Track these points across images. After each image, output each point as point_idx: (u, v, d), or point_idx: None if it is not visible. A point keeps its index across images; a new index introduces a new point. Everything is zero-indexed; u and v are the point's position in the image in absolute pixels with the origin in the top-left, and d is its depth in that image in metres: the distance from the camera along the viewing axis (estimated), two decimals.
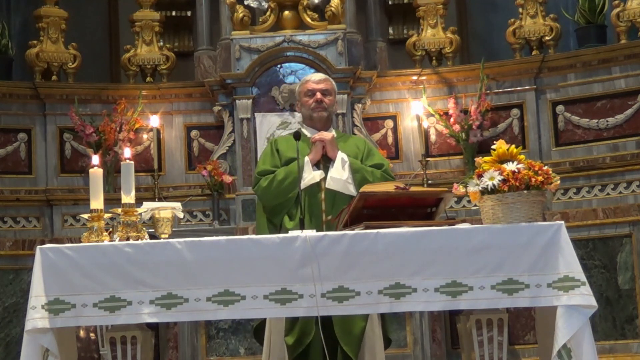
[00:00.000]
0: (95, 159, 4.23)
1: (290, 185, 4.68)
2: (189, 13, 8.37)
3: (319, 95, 4.84)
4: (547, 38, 7.37)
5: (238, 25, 7.33)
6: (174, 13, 8.39)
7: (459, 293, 3.80)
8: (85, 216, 4.07)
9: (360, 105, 7.37)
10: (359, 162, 4.80)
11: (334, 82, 5.02)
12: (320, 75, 5.01)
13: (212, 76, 7.53)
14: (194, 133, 7.54)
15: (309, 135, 4.84)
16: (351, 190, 4.69)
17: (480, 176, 3.89)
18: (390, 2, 8.31)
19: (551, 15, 7.42)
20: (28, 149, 7.34)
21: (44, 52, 7.51)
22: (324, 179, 4.73)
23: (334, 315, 4.31)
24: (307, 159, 4.73)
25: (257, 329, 4.81)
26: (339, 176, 4.67)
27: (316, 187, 4.72)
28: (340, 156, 4.73)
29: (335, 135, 4.85)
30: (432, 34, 7.66)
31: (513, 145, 3.97)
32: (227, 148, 7.36)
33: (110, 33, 8.51)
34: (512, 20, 7.46)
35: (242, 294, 3.83)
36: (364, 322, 4.58)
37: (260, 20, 7.56)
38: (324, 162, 4.78)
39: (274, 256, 3.84)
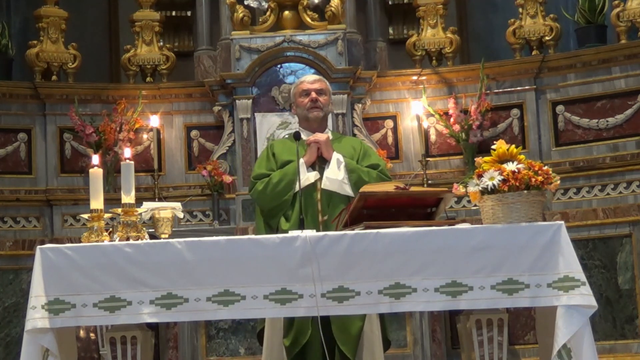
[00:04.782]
0: (95, 159, 4.23)
1: (285, 187, 4.70)
2: (189, 13, 8.37)
3: (314, 94, 4.85)
4: (547, 38, 7.37)
5: (238, 25, 7.33)
6: (174, 13, 8.40)
7: (459, 293, 3.80)
8: (85, 216, 4.07)
9: (360, 105, 7.37)
10: (355, 162, 4.81)
11: (328, 83, 5.03)
12: (314, 76, 5.05)
13: (212, 76, 7.53)
14: (194, 133, 7.54)
15: (304, 137, 4.85)
16: (347, 190, 4.71)
17: (480, 176, 3.89)
18: (390, 2, 8.31)
19: (551, 15, 7.42)
20: (28, 149, 7.34)
21: (44, 52, 7.51)
22: (320, 179, 4.73)
23: (332, 315, 4.32)
24: (302, 160, 4.73)
25: (261, 330, 4.80)
26: (335, 176, 4.68)
27: (312, 187, 4.72)
28: (336, 157, 4.74)
29: (330, 137, 4.86)
30: (432, 34, 7.66)
31: (513, 145, 3.97)
32: (227, 148, 7.36)
33: (110, 33, 8.52)
34: (512, 20, 7.46)
35: (242, 294, 3.83)
36: (362, 322, 4.58)
37: (260, 20, 7.57)
38: (320, 163, 4.78)
39: (274, 256, 3.84)
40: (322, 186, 4.72)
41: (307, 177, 4.72)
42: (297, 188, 4.62)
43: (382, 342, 4.71)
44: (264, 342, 4.73)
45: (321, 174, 4.74)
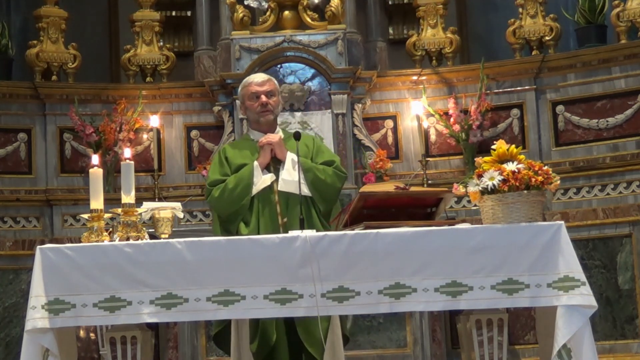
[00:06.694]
0: (95, 159, 4.23)
1: (242, 192, 4.63)
2: (189, 13, 8.37)
3: (263, 98, 4.76)
4: (547, 38, 7.37)
5: (238, 25, 7.33)
6: (174, 13, 8.39)
7: (459, 293, 3.80)
8: (85, 216, 4.07)
9: (360, 105, 7.37)
10: (310, 160, 4.74)
11: (276, 81, 4.93)
12: (262, 76, 4.91)
13: (212, 76, 7.53)
14: (194, 133, 7.54)
15: (254, 138, 4.80)
16: (304, 190, 4.62)
17: (480, 176, 3.89)
18: (390, 2, 8.31)
19: (551, 15, 7.42)
20: (28, 149, 7.35)
21: (44, 52, 7.51)
22: (276, 181, 4.68)
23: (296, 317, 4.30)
24: (256, 163, 4.68)
25: (218, 335, 4.74)
26: (291, 177, 4.59)
27: (269, 190, 4.67)
28: (290, 157, 4.66)
29: (282, 136, 4.77)
30: (432, 34, 7.66)
31: (513, 145, 3.97)
32: None
33: (110, 33, 8.52)
34: (512, 20, 7.46)
35: (242, 294, 3.83)
36: (327, 322, 4.54)
37: (260, 20, 7.57)
38: (274, 165, 4.72)
39: (274, 256, 3.84)
40: (279, 188, 4.65)
41: (263, 180, 4.65)
42: (296, 189, 4.59)
43: (342, 340, 4.67)
44: (231, 349, 4.69)
45: (277, 175, 4.68)
